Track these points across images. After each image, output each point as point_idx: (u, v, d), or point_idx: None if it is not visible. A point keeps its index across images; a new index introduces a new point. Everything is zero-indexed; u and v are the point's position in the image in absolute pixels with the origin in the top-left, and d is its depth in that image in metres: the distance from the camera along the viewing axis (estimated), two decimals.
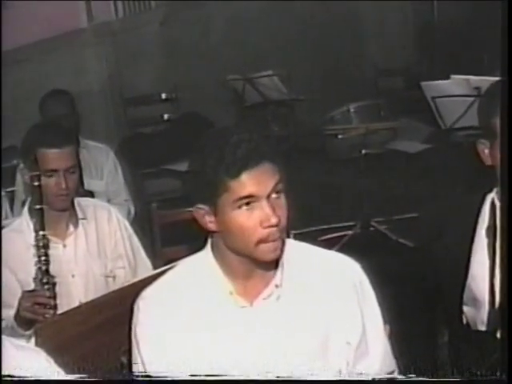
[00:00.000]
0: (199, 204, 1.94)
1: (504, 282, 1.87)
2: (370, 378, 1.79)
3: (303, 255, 2.04)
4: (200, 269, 2.01)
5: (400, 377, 1.81)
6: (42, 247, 2.74)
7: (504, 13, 1.99)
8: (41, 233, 2.76)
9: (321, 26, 7.85)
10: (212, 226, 1.94)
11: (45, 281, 2.72)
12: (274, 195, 1.89)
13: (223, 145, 1.87)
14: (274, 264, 1.96)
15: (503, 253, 1.90)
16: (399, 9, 8.26)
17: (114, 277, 3.02)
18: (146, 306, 2.00)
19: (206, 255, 2.02)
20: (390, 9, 8.21)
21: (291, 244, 2.02)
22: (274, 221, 1.86)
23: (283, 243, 1.94)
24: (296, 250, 2.03)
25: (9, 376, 1.58)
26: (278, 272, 1.97)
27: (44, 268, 2.73)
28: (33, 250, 2.88)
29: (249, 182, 1.86)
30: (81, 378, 1.79)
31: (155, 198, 5.07)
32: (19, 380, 1.58)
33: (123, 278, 3.00)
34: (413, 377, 1.80)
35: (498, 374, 1.86)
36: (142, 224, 3.79)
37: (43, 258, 2.73)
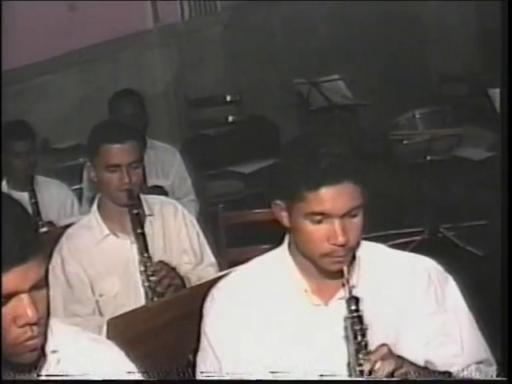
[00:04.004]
0: (278, 200, 1.94)
1: (504, 281, 1.84)
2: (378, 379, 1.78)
3: (379, 256, 2.03)
4: (276, 265, 2.01)
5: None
6: (149, 267, 2.84)
7: (504, 13, 1.96)
8: (145, 255, 2.85)
9: (386, 30, 7.81)
10: (286, 222, 1.94)
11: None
12: (348, 217, 1.86)
13: (310, 154, 1.86)
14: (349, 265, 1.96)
15: (504, 252, 1.87)
16: (464, 13, 8.18)
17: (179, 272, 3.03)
18: (220, 296, 2.01)
19: (282, 252, 2.02)
20: (455, 13, 8.13)
21: (367, 245, 2.01)
22: (341, 241, 1.84)
23: (350, 257, 1.93)
24: (372, 251, 2.02)
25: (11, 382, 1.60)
26: (355, 273, 1.96)
27: (153, 286, 2.82)
28: (102, 246, 2.94)
29: (326, 198, 1.83)
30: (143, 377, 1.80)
31: (218, 200, 5.09)
32: (19, 381, 1.60)
33: (189, 273, 3.03)
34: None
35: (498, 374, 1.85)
36: (206, 224, 3.81)
37: (151, 279, 2.83)
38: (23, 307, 1.52)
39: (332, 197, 1.83)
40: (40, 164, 4.19)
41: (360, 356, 1.79)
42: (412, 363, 1.82)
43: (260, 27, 7.58)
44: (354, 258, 1.96)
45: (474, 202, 5.55)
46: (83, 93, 6.59)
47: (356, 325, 1.80)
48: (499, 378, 1.88)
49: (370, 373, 1.77)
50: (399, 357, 1.81)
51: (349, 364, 1.85)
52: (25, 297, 1.52)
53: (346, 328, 1.85)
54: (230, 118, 7.05)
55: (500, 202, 1.95)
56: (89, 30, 6.49)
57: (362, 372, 1.77)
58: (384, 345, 1.79)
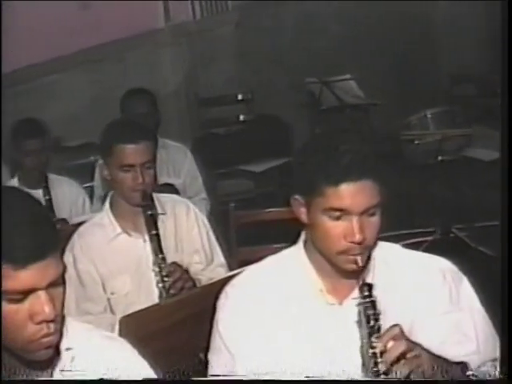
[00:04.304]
0: (297, 195, 1.95)
1: (504, 281, 1.84)
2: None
3: (394, 256, 2.03)
4: (291, 263, 2.01)
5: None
6: (164, 268, 2.83)
7: (504, 13, 1.95)
8: (160, 256, 2.84)
9: (397, 30, 7.80)
10: (304, 218, 1.95)
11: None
12: (366, 215, 1.87)
13: (331, 150, 1.87)
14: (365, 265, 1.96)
15: (504, 253, 1.87)
16: (475, 13, 8.16)
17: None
18: (234, 293, 2.02)
19: (298, 250, 2.02)
20: (465, 13, 8.12)
21: (382, 245, 2.01)
22: (358, 239, 1.85)
23: (367, 257, 1.93)
24: (387, 251, 2.02)
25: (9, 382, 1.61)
26: (370, 272, 1.96)
27: (167, 286, 2.81)
28: (114, 245, 2.94)
29: (345, 194, 1.84)
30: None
31: (229, 199, 5.09)
32: (19, 380, 1.60)
33: (199, 274, 3.03)
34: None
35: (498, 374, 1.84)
36: (217, 223, 3.81)
37: (166, 279, 2.82)
38: (40, 304, 1.53)
39: (351, 193, 1.84)
40: (51, 162, 4.20)
41: (372, 339, 1.79)
42: (424, 348, 1.82)
43: (271, 27, 7.57)
44: (369, 258, 1.96)
45: (485, 202, 5.53)
46: (94, 91, 6.60)
47: (369, 309, 1.81)
48: (499, 378, 1.87)
49: (382, 354, 1.76)
50: (412, 341, 1.81)
51: (362, 347, 1.85)
52: (42, 294, 1.53)
53: (359, 313, 1.86)
54: (241, 117, 7.05)
55: (500, 202, 1.95)
56: (100, 29, 6.49)
57: (374, 354, 1.77)
58: (396, 325, 1.79)
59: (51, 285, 1.54)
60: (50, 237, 1.55)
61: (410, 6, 7.71)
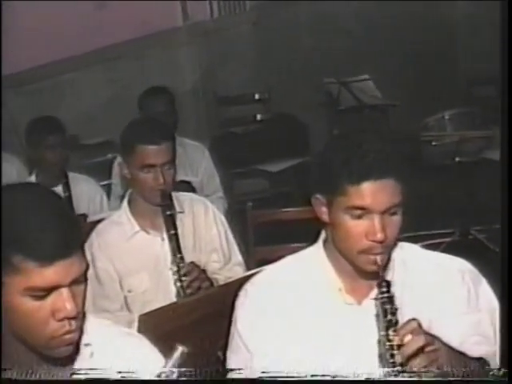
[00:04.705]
0: (318, 194, 1.94)
1: (504, 281, 1.83)
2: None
3: (413, 256, 2.03)
4: (310, 263, 2.01)
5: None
6: (182, 268, 2.83)
7: (504, 13, 1.95)
8: (178, 255, 2.85)
9: (416, 30, 7.78)
10: (325, 218, 1.94)
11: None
12: (388, 214, 1.86)
13: (353, 148, 1.86)
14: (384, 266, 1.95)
15: (504, 254, 1.86)
16: (494, 13, 8.11)
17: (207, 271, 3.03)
18: (254, 291, 2.02)
19: (317, 250, 2.02)
20: (484, 14, 8.08)
21: (401, 246, 2.01)
22: (379, 237, 1.85)
23: (387, 257, 1.92)
24: (406, 252, 2.02)
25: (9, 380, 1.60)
26: (389, 273, 1.95)
27: (185, 285, 2.82)
28: (132, 242, 2.94)
29: (367, 193, 1.84)
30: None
31: (245, 198, 5.09)
32: (19, 380, 1.60)
33: (216, 273, 3.03)
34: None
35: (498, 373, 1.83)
36: (234, 222, 3.81)
37: (183, 279, 2.83)
38: (63, 301, 1.53)
39: (373, 192, 1.84)
40: (69, 160, 4.21)
41: (390, 332, 1.79)
42: (443, 342, 1.81)
43: (288, 26, 7.57)
44: (389, 258, 1.95)
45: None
46: (112, 90, 6.61)
47: (386, 304, 1.81)
48: (499, 378, 1.86)
49: (399, 347, 1.76)
50: (431, 335, 1.80)
51: (379, 341, 1.84)
52: (65, 291, 1.53)
53: (376, 307, 1.85)
54: (258, 117, 7.04)
55: (500, 202, 1.95)
56: (118, 28, 6.51)
57: (391, 346, 1.77)
58: (414, 319, 1.79)
59: (74, 282, 1.54)
60: (75, 234, 1.55)
61: (428, 7, 7.68)
